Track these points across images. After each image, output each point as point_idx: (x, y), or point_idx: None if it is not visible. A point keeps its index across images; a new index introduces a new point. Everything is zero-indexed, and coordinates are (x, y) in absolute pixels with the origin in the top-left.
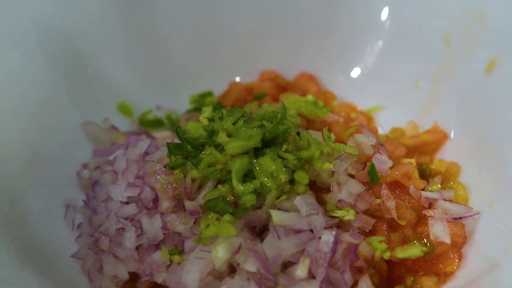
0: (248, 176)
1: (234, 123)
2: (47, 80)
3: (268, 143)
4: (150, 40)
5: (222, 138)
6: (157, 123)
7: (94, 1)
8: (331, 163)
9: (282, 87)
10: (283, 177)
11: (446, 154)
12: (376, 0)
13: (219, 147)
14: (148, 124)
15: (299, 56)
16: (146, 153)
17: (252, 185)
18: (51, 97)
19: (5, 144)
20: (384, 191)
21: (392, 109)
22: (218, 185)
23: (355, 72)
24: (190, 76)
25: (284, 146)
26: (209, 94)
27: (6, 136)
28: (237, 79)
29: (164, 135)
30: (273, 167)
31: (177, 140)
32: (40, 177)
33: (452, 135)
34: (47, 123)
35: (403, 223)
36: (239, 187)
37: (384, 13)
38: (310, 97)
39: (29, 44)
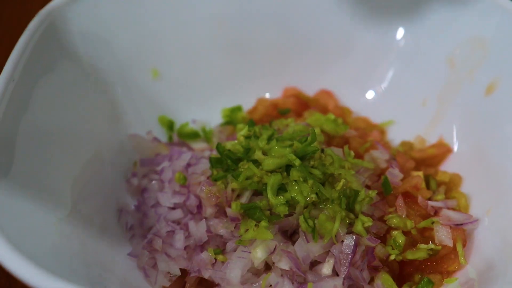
0: (280, 189)
1: (268, 141)
2: (97, 92)
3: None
4: (186, 59)
5: (258, 155)
6: (194, 135)
7: (135, 20)
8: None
9: (303, 102)
10: (313, 196)
11: (449, 166)
12: (392, 24)
13: (256, 163)
14: (185, 136)
15: (319, 75)
16: (188, 164)
17: (284, 198)
18: (100, 108)
19: (69, 142)
20: (400, 202)
21: (402, 124)
22: (256, 200)
23: (370, 94)
24: (222, 91)
25: (311, 162)
26: (239, 108)
27: (71, 135)
28: (267, 95)
29: (201, 147)
30: (305, 189)
31: (215, 153)
32: (96, 180)
33: (455, 148)
34: (100, 132)
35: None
36: (273, 200)
37: (399, 36)
38: (330, 115)
39: (80, 56)
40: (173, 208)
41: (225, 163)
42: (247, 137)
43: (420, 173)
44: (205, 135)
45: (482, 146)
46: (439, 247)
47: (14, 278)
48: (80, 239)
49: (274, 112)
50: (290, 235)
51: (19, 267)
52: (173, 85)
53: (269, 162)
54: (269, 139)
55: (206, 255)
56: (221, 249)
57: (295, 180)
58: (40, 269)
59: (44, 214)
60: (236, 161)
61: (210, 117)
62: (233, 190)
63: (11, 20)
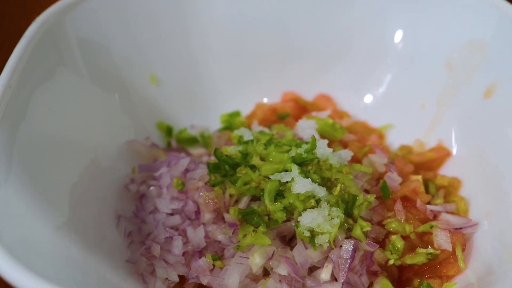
0: (278, 194)
1: (266, 146)
2: (95, 98)
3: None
4: (184, 64)
5: (256, 161)
6: (192, 141)
7: (132, 26)
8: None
9: (302, 107)
10: (312, 202)
11: (449, 170)
12: (390, 27)
13: (253, 168)
14: (184, 142)
15: (317, 79)
16: (186, 170)
17: (281, 204)
18: (99, 114)
19: (67, 149)
20: (398, 206)
21: (401, 127)
22: (254, 205)
23: (368, 98)
24: (220, 96)
25: (309, 168)
26: (237, 114)
27: (69, 142)
28: (265, 100)
29: (199, 152)
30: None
31: (213, 158)
32: (94, 187)
33: (454, 152)
34: (99, 138)
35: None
36: (271, 206)
37: (397, 39)
38: (328, 119)
39: (77, 62)
40: (171, 214)
41: (223, 168)
42: (245, 142)
43: (419, 177)
44: (204, 141)
45: (481, 150)
46: (438, 252)
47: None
48: (78, 246)
49: (273, 117)
50: (288, 240)
51: (17, 277)
52: (171, 90)
53: (267, 168)
54: (267, 144)
55: (204, 261)
56: (219, 255)
57: None
58: (38, 278)
59: (42, 222)
60: (233, 167)
61: (209, 122)
62: (231, 196)
63: (10, 27)
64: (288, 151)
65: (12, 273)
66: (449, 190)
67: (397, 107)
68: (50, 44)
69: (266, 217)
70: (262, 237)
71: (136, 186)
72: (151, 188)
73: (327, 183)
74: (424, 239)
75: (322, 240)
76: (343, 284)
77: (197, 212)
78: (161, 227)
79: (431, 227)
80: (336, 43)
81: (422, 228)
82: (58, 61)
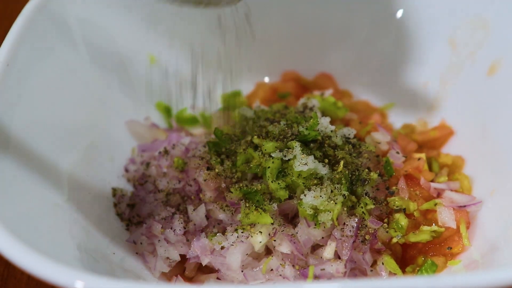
0: (280, 173)
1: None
2: (95, 78)
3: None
4: (183, 44)
5: (256, 139)
6: (192, 121)
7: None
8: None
9: (302, 86)
10: (316, 181)
11: (452, 148)
12: (392, 4)
13: (253, 145)
14: (184, 122)
15: (318, 58)
16: (187, 149)
17: (284, 183)
18: (98, 95)
19: (66, 129)
20: (402, 184)
21: (403, 106)
22: (255, 184)
23: (370, 77)
24: (220, 76)
25: (312, 145)
26: (238, 93)
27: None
28: (266, 79)
29: (199, 132)
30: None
31: (214, 137)
32: (93, 168)
33: (457, 130)
34: (98, 118)
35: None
36: (273, 185)
37: (399, 16)
38: (330, 98)
39: (76, 42)
40: (172, 193)
41: (223, 147)
42: (245, 120)
43: (423, 155)
44: (204, 121)
45: (485, 128)
46: (442, 229)
47: (12, 265)
48: (77, 225)
49: (274, 97)
50: (291, 218)
51: (17, 254)
52: (171, 70)
53: (268, 145)
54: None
55: (206, 240)
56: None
57: None
58: (38, 255)
59: (40, 199)
60: (234, 145)
61: (209, 102)
62: (232, 174)
63: (7, 4)
64: (290, 126)
65: (12, 251)
66: (453, 169)
67: (399, 86)
68: (48, 22)
69: (268, 195)
70: (264, 216)
71: (135, 166)
72: (151, 167)
73: (330, 161)
74: (428, 217)
75: (325, 218)
76: (346, 262)
77: (198, 191)
78: (162, 206)
79: (435, 204)
80: (337, 21)
81: (426, 205)
82: (57, 39)
